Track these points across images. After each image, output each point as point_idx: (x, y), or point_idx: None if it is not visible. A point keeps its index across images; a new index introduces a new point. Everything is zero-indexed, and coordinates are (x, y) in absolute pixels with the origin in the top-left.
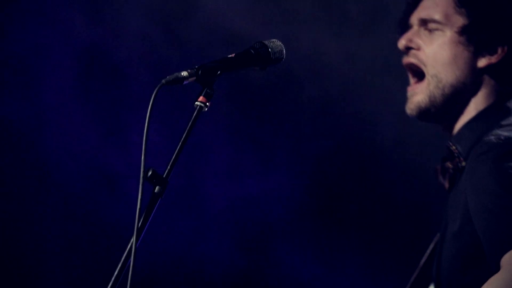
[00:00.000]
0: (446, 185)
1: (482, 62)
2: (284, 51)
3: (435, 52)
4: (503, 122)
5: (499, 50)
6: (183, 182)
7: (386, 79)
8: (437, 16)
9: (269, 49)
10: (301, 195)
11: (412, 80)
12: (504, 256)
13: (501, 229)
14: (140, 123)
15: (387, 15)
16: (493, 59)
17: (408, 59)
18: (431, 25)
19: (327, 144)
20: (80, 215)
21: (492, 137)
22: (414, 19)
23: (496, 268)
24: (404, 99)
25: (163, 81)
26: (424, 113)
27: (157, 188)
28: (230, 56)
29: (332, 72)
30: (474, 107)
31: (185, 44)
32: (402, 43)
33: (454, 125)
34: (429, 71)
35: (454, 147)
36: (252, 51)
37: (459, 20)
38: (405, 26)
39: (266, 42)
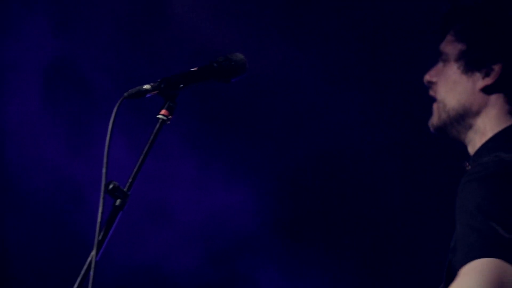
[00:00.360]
0: None
1: (480, 84)
2: (247, 64)
3: (443, 82)
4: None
5: (494, 70)
6: (151, 195)
7: (354, 91)
8: (444, 48)
9: (232, 63)
10: (269, 208)
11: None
12: (463, 267)
13: (467, 247)
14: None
15: (356, 27)
16: (489, 80)
17: (430, 93)
18: (443, 57)
19: (296, 156)
20: (45, 227)
21: (490, 159)
22: (439, 54)
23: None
24: (372, 111)
25: (125, 94)
26: (438, 131)
27: (118, 201)
28: (193, 69)
29: (300, 84)
30: (490, 128)
31: (153, 56)
32: (425, 78)
33: (473, 145)
34: (438, 98)
35: (469, 166)
36: (215, 65)
37: (457, 47)
38: None
39: (229, 56)
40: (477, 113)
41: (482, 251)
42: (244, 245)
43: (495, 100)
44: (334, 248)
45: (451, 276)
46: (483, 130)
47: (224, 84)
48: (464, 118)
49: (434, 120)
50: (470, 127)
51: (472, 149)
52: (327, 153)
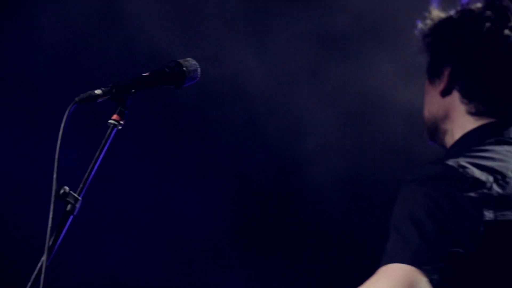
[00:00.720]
0: None
1: (438, 90)
2: (199, 70)
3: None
4: (474, 148)
5: (444, 74)
6: (109, 200)
7: (311, 96)
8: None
9: (184, 68)
10: (228, 213)
11: None
12: (380, 268)
13: (389, 249)
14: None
15: (313, 30)
16: (443, 83)
17: None
18: None
19: (254, 161)
20: None
21: (433, 162)
22: None
23: None
24: (325, 115)
25: (76, 99)
26: (430, 141)
27: (68, 206)
28: (144, 74)
29: (255, 90)
30: (456, 131)
31: (106, 60)
32: None
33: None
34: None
35: None
36: (167, 70)
37: (427, 62)
38: None
39: (181, 61)
40: (445, 118)
41: (398, 256)
42: (203, 250)
43: (454, 103)
44: (292, 253)
45: None
46: (451, 134)
47: (183, 88)
48: (436, 125)
49: (425, 133)
50: (445, 132)
51: None
52: (284, 158)
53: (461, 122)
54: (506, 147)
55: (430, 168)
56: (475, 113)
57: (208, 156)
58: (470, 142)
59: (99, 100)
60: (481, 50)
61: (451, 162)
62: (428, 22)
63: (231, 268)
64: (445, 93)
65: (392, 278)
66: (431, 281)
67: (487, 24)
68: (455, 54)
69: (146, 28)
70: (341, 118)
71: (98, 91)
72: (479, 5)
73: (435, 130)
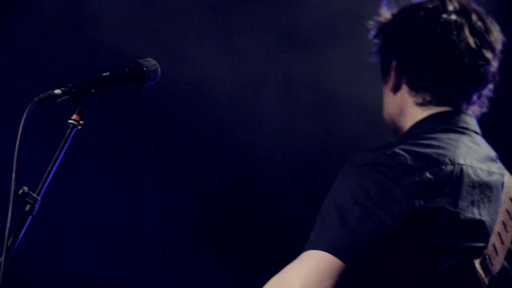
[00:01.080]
0: None
1: (389, 87)
2: (159, 70)
3: None
4: (421, 135)
5: (392, 69)
6: (77, 201)
7: (271, 96)
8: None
9: (144, 68)
10: (191, 215)
11: None
12: (302, 252)
13: (312, 234)
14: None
15: (276, 29)
16: (392, 79)
17: None
18: None
19: (218, 162)
20: None
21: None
22: None
23: None
24: (289, 113)
25: (36, 99)
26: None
27: (27, 206)
28: (104, 74)
29: (222, 90)
30: (407, 125)
31: (67, 59)
32: None
33: None
34: None
35: None
36: (127, 70)
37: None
38: None
39: (141, 61)
40: (400, 115)
41: (317, 243)
42: (170, 251)
43: (403, 97)
44: (255, 254)
45: None
46: (402, 128)
47: (144, 88)
48: (395, 124)
49: (392, 136)
50: (402, 128)
51: None
52: (248, 157)
53: (412, 114)
54: (451, 135)
55: (365, 156)
56: (422, 104)
57: (171, 156)
58: (417, 132)
59: (58, 100)
60: (418, 39)
61: (386, 149)
62: (376, 23)
63: (194, 268)
64: (395, 89)
65: (307, 265)
66: (348, 268)
67: (422, 13)
68: (397, 48)
69: (112, 29)
70: (307, 116)
71: (57, 91)
72: None
73: (395, 130)
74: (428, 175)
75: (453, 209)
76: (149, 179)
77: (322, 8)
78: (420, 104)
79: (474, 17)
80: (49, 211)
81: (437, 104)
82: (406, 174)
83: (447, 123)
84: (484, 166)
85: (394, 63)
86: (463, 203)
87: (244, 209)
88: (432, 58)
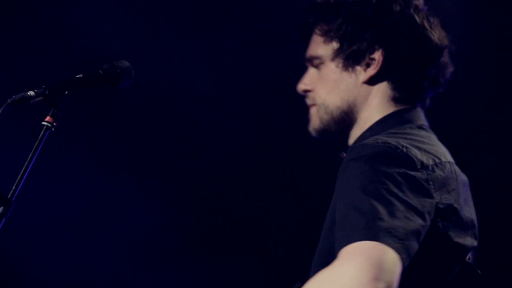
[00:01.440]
0: None
1: (363, 77)
2: (133, 72)
3: (321, 85)
4: (392, 130)
5: (375, 59)
6: (62, 208)
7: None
8: (315, 52)
9: (118, 70)
10: (170, 216)
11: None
12: (343, 248)
13: (349, 228)
14: None
15: (259, 30)
16: (372, 70)
17: (308, 102)
18: (316, 62)
19: (204, 165)
20: None
21: (370, 140)
22: (305, 60)
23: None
24: (264, 116)
25: (9, 100)
26: (322, 134)
27: (1, 208)
28: (78, 76)
29: (202, 91)
30: (371, 117)
31: (49, 59)
32: (299, 88)
33: (354, 136)
34: (317, 101)
35: (344, 155)
36: (101, 72)
37: (330, 47)
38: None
39: (115, 63)
40: (360, 106)
41: (365, 233)
42: (152, 254)
43: (378, 89)
44: (243, 256)
45: (322, 259)
46: (365, 120)
47: (133, 89)
48: (349, 114)
49: (316, 124)
50: (355, 120)
51: (352, 141)
52: (227, 158)
53: (381, 109)
54: (422, 132)
55: (373, 147)
56: (393, 99)
57: (155, 157)
58: (390, 125)
59: (32, 102)
60: (401, 25)
61: (392, 141)
62: (316, 7)
63: (181, 269)
64: (373, 79)
65: (362, 256)
66: (400, 259)
67: (397, 8)
68: (386, 38)
69: (91, 30)
70: (288, 115)
71: (31, 93)
72: None
73: (342, 120)
74: (438, 171)
75: (458, 207)
76: (131, 181)
77: (300, 8)
78: (392, 99)
79: (428, 13)
80: (31, 212)
81: (404, 101)
82: (421, 168)
83: (413, 120)
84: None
85: (379, 54)
86: (461, 201)
87: (230, 210)
88: (415, 51)
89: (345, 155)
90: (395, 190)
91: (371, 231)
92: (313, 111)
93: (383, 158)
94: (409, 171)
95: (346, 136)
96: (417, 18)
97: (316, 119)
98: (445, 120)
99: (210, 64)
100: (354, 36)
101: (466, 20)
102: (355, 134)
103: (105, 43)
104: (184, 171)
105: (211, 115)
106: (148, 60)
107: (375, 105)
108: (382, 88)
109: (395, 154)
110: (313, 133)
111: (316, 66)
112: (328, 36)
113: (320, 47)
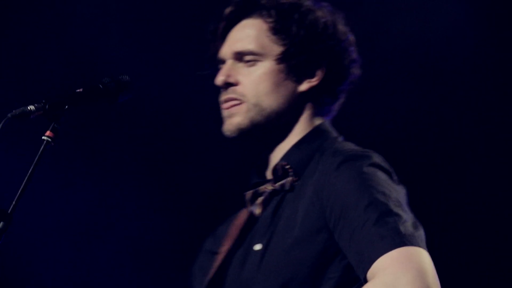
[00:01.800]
0: (258, 210)
1: (303, 87)
2: (133, 85)
3: (256, 84)
4: (337, 140)
5: (318, 73)
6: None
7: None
8: (252, 47)
9: (118, 84)
10: (157, 214)
11: (225, 98)
12: (375, 262)
13: (369, 235)
14: None
15: None
16: (313, 82)
17: (228, 96)
18: (248, 57)
19: (202, 171)
20: None
21: (341, 149)
22: (227, 53)
23: (365, 276)
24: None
25: (9, 115)
26: (245, 134)
27: (1, 224)
28: (78, 90)
29: (201, 98)
30: (302, 128)
31: (46, 68)
32: (220, 79)
33: (280, 146)
34: (249, 100)
35: (287, 166)
36: (101, 86)
37: (276, 49)
38: (216, 61)
39: (115, 77)
40: (293, 115)
41: (399, 240)
42: (153, 258)
43: (311, 101)
44: None
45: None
46: (296, 131)
47: (134, 96)
48: (281, 120)
49: (242, 123)
50: (283, 128)
51: (277, 150)
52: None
53: (310, 121)
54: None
55: (358, 153)
56: (320, 112)
57: (152, 164)
58: (325, 135)
59: (32, 116)
60: (349, 56)
61: (362, 150)
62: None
63: (175, 272)
64: (310, 92)
65: (417, 261)
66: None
67: (343, 29)
68: (332, 58)
69: (93, 38)
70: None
71: (31, 107)
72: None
73: (272, 125)
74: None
75: None
76: (132, 184)
77: None
78: (320, 112)
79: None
80: (32, 217)
81: (328, 114)
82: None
83: (334, 131)
84: None
85: (322, 71)
86: None
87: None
88: (349, 71)
89: (283, 164)
90: (403, 202)
91: (404, 238)
92: (239, 108)
93: (379, 167)
94: (396, 182)
95: (265, 143)
96: (352, 40)
97: (243, 118)
98: (445, 120)
99: (211, 68)
100: (305, 45)
101: (466, 20)
102: (280, 143)
103: (105, 44)
104: (185, 176)
105: (212, 120)
106: (148, 64)
107: (306, 117)
108: (314, 101)
109: (385, 165)
110: (232, 132)
111: (247, 62)
112: (278, 34)
113: (262, 42)
